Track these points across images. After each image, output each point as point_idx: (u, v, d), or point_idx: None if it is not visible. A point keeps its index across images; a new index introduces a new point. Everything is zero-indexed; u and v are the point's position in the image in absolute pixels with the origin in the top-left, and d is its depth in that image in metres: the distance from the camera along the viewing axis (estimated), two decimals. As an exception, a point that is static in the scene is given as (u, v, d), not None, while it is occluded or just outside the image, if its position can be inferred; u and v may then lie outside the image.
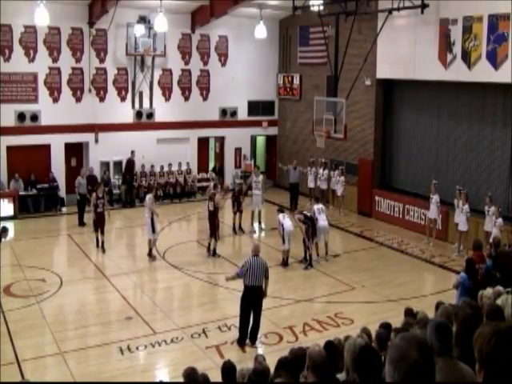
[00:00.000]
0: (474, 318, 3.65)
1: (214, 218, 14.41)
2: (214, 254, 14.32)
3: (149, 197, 14.40)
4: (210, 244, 14.41)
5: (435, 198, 14.90)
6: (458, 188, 14.22)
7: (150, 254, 14.19)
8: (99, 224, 14.78)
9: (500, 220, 12.92)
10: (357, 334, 5.33)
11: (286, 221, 13.56)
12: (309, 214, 13.94)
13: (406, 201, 17.06)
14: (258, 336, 9.97)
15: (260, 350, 9.41)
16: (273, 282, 12.91)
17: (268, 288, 9.79)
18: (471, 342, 2.24)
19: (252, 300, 9.50)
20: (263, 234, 17.13)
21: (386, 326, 6.11)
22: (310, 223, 13.65)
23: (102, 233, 14.77)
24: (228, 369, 5.82)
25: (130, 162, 19.61)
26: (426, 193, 15.48)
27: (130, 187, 19.66)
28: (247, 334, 9.57)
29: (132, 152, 19.41)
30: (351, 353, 4.08)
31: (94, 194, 14.92)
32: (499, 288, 6.59)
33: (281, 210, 14.35)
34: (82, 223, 16.92)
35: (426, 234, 15.51)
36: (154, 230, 14.13)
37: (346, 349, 4.77)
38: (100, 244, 14.78)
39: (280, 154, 22.62)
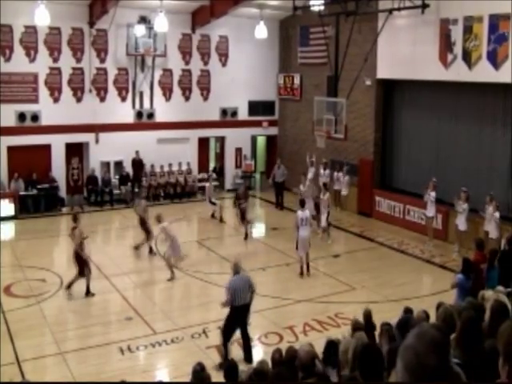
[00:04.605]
0: (476, 320, 3.64)
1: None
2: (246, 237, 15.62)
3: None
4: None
5: (432, 196, 14.91)
6: (464, 190, 14.17)
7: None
8: (86, 267, 11.71)
9: (496, 214, 12.95)
10: (355, 335, 5.33)
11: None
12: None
13: (407, 201, 17.05)
14: (258, 336, 9.99)
15: (260, 350, 9.42)
16: (273, 282, 12.99)
17: (254, 297, 9.20)
18: (472, 343, 2.22)
19: (240, 319, 8.99)
20: (264, 234, 17.11)
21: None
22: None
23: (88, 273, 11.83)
24: (230, 368, 5.82)
25: (136, 162, 19.67)
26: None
27: (138, 187, 19.75)
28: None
29: (136, 152, 19.49)
30: (354, 351, 4.09)
31: (78, 232, 11.70)
32: (500, 288, 6.58)
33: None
34: None
35: (427, 234, 15.49)
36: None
37: (345, 347, 4.78)
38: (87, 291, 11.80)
39: (280, 154, 22.59)
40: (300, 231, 12.80)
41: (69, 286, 11.71)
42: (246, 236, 15.97)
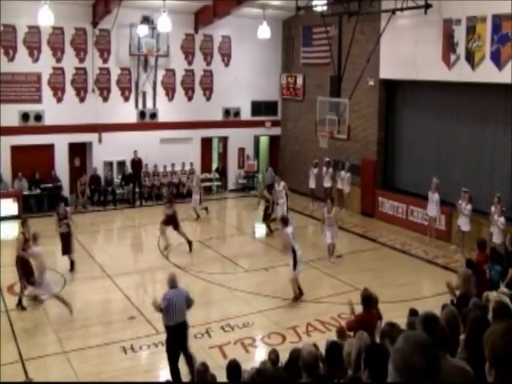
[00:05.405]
0: (484, 321, 3.64)
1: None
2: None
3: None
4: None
5: (435, 197, 14.90)
6: (464, 190, 14.17)
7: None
8: (65, 247, 13.07)
9: (502, 219, 12.91)
10: (357, 335, 5.34)
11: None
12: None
13: (409, 201, 17.04)
14: (261, 336, 9.99)
15: (263, 351, 9.42)
16: (275, 283, 12.98)
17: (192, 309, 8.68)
18: (480, 344, 2.21)
19: (179, 339, 8.33)
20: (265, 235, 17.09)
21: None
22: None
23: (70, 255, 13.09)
24: (233, 368, 5.84)
25: (135, 162, 19.66)
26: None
27: (139, 187, 19.71)
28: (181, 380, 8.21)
29: (135, 152, 19.47)
30: (358, 352, 4.09)
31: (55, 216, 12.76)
32: (503, 289, 6.59)
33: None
34: None
35: (428, 234, 15.49)
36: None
37: (350, 349, 4.78)
38: (70, 266, 13.10)
39: (283, 155, 22.61)
40: (296, 247, 11.61)
41: (20, 302, 11.13)
42: (166, 248, 14.48)
